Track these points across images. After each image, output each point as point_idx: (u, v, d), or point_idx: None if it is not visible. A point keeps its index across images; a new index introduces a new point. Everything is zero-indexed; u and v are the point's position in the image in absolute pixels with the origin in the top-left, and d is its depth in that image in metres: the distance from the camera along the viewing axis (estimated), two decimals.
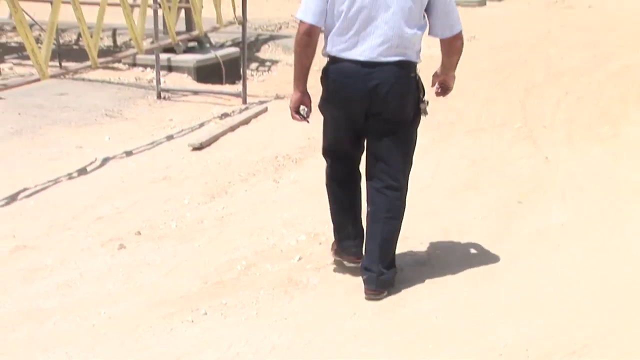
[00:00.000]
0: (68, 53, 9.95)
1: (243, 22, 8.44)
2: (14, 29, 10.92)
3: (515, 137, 6.84)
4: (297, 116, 3.93)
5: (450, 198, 5.31)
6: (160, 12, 7.94)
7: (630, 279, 4.02)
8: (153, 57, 8.70)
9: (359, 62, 3.66)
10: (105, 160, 6.26)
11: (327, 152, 4.10)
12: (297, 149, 6.51)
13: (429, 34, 3.83)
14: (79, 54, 8.88)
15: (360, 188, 4.15)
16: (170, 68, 9.47)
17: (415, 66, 3.79)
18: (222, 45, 10.80)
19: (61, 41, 10.35)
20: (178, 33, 8.05)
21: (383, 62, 3.65)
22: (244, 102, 8.33)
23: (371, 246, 3.94)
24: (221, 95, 8.71)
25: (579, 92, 8.51)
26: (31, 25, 6.41)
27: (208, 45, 10.19)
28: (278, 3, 16.48)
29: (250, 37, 10.95)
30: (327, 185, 4.16)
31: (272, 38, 12.19)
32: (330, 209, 4.18)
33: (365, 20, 3.62)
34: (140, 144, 6.75)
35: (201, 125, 7.44)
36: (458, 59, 3.94)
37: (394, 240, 3.98)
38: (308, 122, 3.97)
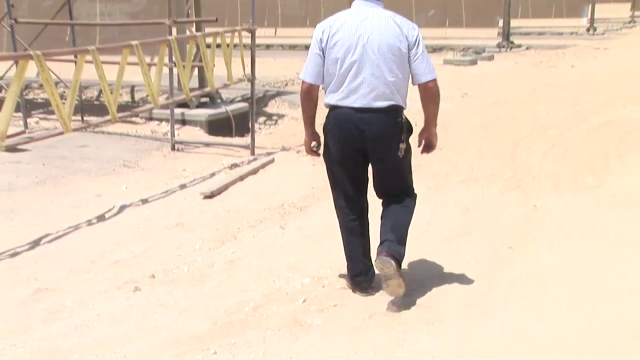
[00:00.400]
0: (90, 108, 10.05)
1: (252, 79, 8.52)
2: (40, 86, 11.07)
3: (505, 187, 6.84)
4: (311, 152, 4.44)
5: (446, 243, 5.29)
6: (175, 70, 8.04)
7: (617, 319, 3.98)
8: (168, 111, 8.78)
9: (354, 108, 4.07)
10: (123, 208, 6.27)
11: (336, 204, 4.44)
12: (302, 198, 6.52)
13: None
14: (100, 109, 8.97)
15: (368, 230, 4.42)
16: (184, 122, 9.54)
17: (402, 111, 4.15)
18: (232, 101, 10.90)
19: (84, 97, 10.47)
20: (191, 89, 8.14)
21: (374, 107, 4.05)
22: (252, 153, 8.37)
23: (383, 226, 4.24)
24: (231, 147, 8.76)
25: (564, 145, 8.54)
26: (56, 83, 6.50)
27: (219, 100, 10.29)
28: (284, 62, 16.71)
29: (258, 93, 11.06)
30: (341, 227, 4.46)
31: (278, 94, 12.30)
32: (344, 246, 4.47)
33: (354, 75, 4.04)
34: (155, 192, 6.77)
35: (212, 175, 7.47)
36: (435, 109, 4.24)
37: (404, 223, 4.25)
38: (319, 155, 4.45)
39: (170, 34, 8.19)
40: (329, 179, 4.45)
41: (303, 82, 4.17)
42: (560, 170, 7.43)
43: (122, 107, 8.62)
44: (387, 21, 4.06)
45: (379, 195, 4.36)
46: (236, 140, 9.31)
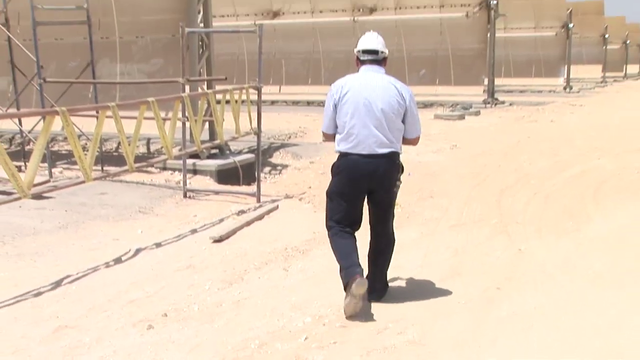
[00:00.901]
0: (109, 159, 10.08)
1: (258, 132, 8.58)
2: (65, 139, 11.08)
3: (492, 231, 6.83)
4: None
5: (438, 284, 5.26)
6: (187, 124, 8.10)
7: (600, 351, 3.95)
8: (181, 162, 8.82)
9: (361, 154, 4.61)
10: (138, 251, 6.26)
11: (332, 222, 4.77)
12: (304, 242, 6.50)
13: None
14: (118, 160, 9.00)
15: (355, 239, 4.78)
16: (195, 171, 9.56)
17: (399, 155, 4.71)
18: (239, 152, 10.94)
19: (104, 149, 10.50)
20: (202, 142, 8.18)
21: (379, 153, 4.59)
22: (258, 200, 8.38)
23: (372, 264, 4.86)
24: (238, 195, 8.77)
25: (545, 192, 8.56)
26: (79, 136, 6.54)
27: (228, 152, 10.34)
28: (288, 116, 16.84)
29: (264, 145, 11.11)
30: (331, 239, 4.79)
31: (282, 146, 12.36)
32: (334, 250, 4.76)
33: (361, 128, 4.59)
34: (168, 236, 6.76)
35: (221, 220, 7.46)
36: None
37: (388, 262, 4.91)
38: None
39: (184, 91, 8.27)
40: (327, 205, 4.81)
41: (323, 132, 4.87)
42: (542, 216, 7.43)
43: (138, 158, 8.59)
44: (388, 84, 4.64)
45: (372, 221, 4.83)
46: (243, 188, 9.31)
